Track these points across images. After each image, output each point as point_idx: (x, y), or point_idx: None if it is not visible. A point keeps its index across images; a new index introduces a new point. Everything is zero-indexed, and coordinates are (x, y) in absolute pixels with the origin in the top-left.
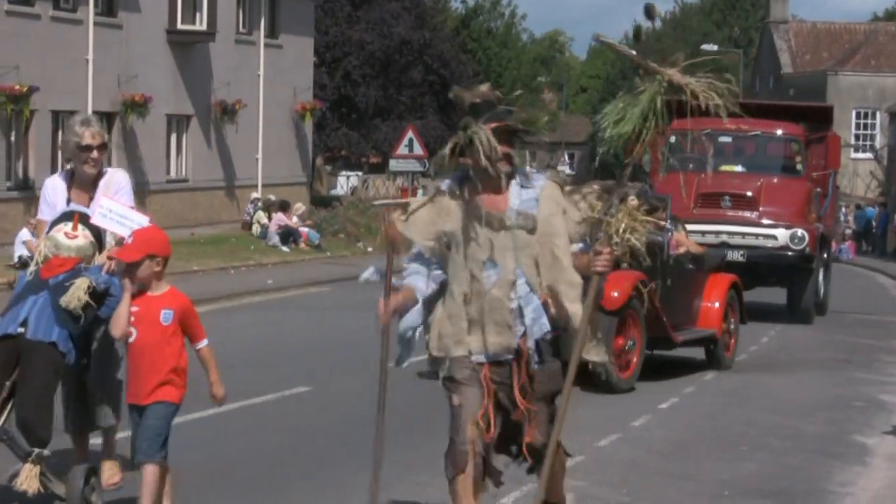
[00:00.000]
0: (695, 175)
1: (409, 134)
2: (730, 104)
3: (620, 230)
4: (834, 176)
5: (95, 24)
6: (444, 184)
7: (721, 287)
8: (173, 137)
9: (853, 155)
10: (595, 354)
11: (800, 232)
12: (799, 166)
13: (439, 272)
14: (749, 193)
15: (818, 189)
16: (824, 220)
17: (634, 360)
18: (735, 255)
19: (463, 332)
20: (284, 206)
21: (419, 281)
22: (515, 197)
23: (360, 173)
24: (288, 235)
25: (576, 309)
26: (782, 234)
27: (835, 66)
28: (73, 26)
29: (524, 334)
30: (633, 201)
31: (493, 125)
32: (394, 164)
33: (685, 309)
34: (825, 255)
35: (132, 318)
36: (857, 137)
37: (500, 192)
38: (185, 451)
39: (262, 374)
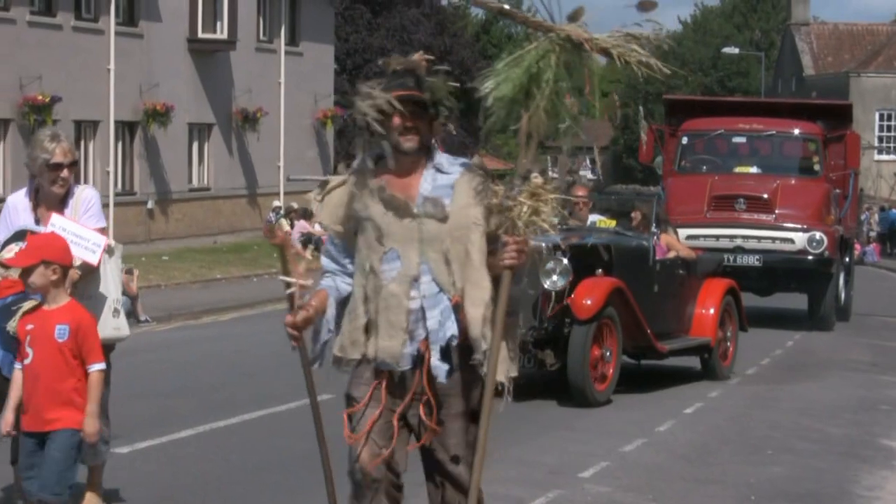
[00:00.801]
0: (708, 177)
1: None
2: (656, 60)
3: (524, 213)
4: (854, 176)
5: (117, 33)
6: (357, 161)
7: (716, 293)
8: (195, 146)
9: (877, 157)
10: (500, 371)
11: (818, 235)
12: (816, 166)
13: (352, 266)
14: (764, 195)
15: (837, 190)
16: (844, 222)
17: (611, 371)
18: (751, 260)
19: (358, 331)
20: (307, 214)
21: (330, 280)
22: (428, 182)
23: None
24: (310, 243)
25: (476, 313)
26: (800, 238)
27: (857, 67)
28: (94, 36)
29: (426, 338)
30: (536, 179)
31: (399, 93)
32: None
33: (675, 317)
34: (847, 259)
35: (28, 338)
36: (880, 139)
37: (411, 174)
38: (208, 459)
39: (285, 381)
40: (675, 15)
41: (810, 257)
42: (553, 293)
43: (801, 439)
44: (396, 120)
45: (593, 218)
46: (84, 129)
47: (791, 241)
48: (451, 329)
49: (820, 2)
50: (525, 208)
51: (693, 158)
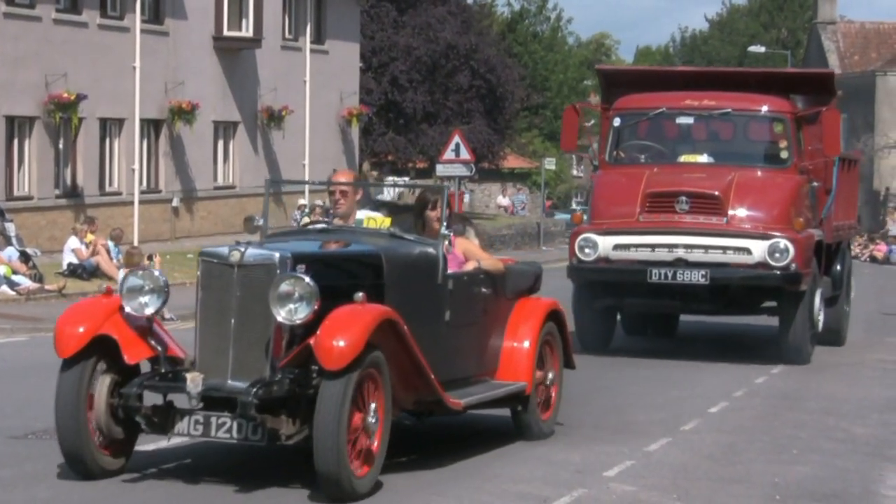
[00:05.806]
0: (645, 169)
1: (456, 138)
2: None
3: None
4: (840, 164)
5: (142, 31)
6: None
7: (533, 319)
8: (220, 144)
9: None
10: None
11: (782, 243)
12: (784, 153)
13: None
14: (714, 192)
15: (815, 183)
16: (827, 224)
17: (376, 444)
18: (695, 276)
19: None
20: None
21: None
22: None
23: (406, 178)
24: None
25: None
26: (758, 247)
27: (884, 66)
28: (120, 34)
29: None
30: None
31: None
32: (441, 169)
33: (476, 355)
34: (839, 267)
35: None
36: None
37: None
38: (240, 453)
39: None
40: (701, 13)
41: (772, 272)
42: (290, 329)
43: (827, 439)
44: None
45: (360, 215)
46: (109, 127)
47: (747, 250)
48: None
49: (847, 0)
50: None
51: (628, 146)
